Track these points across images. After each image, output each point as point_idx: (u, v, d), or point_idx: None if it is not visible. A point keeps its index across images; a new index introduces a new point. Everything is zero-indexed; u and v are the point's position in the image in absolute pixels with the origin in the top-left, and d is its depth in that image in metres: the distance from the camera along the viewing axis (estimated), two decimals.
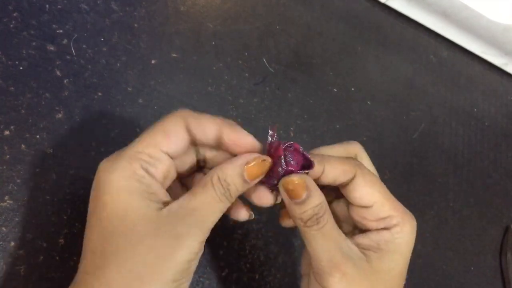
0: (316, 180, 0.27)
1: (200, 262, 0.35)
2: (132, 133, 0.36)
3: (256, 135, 0.41)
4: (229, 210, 0.28)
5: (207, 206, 0.24)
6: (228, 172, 0.24)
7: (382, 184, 0.27)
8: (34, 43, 0.34)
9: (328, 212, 0.26)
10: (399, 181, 0.48)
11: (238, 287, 0.36)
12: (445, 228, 0.49)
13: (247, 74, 0.43)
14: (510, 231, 0.52)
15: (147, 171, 0.23)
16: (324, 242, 0.25)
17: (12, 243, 0.30)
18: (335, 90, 0.48)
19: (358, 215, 0.27)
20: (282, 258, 0.38)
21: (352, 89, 0.49)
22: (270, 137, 0.27)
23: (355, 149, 0.29)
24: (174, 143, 0.25)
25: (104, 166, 0.23)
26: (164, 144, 0.24)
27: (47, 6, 0.36)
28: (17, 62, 0.33)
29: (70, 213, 0.32)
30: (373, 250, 0.26)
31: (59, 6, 0.36)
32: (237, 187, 0.25)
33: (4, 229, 0.30)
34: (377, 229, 0.27)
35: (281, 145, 0.26)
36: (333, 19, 0.51)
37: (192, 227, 0.23)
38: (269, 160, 0.26)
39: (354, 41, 0.51)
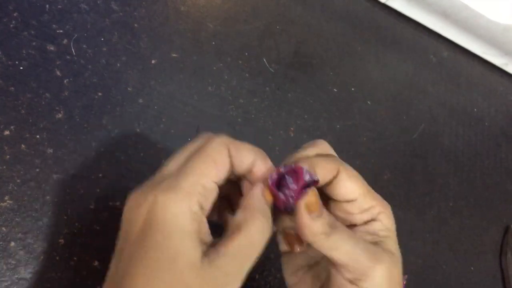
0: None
1: None
2: (132, 133, 0.36)
3: (256, 135, 0.41)
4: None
5: (247, 247, 0.23)
6: (255, 199, 0.24)
7: (361, 176, 0.27)
8: (34, 43, 0.34)
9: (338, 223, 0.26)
10: (399, 181, 0.48)
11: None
12: (445, 228, 0.48)
13: (247, 74, 0.43)
14: (510, 231, 0.52)
15: (202, 207, 0.22)
16: (351, 241, 0.25)
17: (12, 243, 0.30)
18: (335, 90, 0.48)
19: (343, 211, 0.27)
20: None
21: (352, 89, 0.49)
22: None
23: (326, 147, 0.29)
24: (222, 173, 0.24)
25: (161, 198, 0.22)
26: (215, 173, 0.23)
27: (47, 6, 0.36)
28: (17, 62, 0.33)
29: (70, 213, 0.32)
30: (375, 239, 0.26)
31: (59, 6, 0.36)
32: (262, 205, 0.24)
33: (4, 229, 0.30)
34: (365, 222, 0.27)
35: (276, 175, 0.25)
36: (333, 19, 0.51)
37: (231, 274, 0.22)
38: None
39: (354, 41, 0.51)
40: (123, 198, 0.34)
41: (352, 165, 0.45)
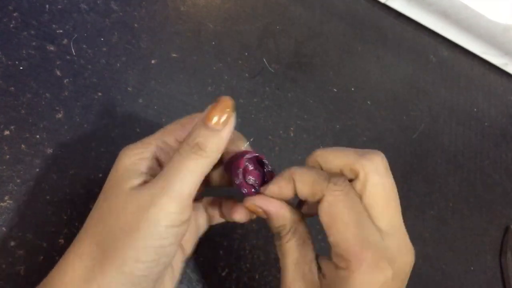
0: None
1: (200, 262, 0.35)
2: (132, 133, 0.36)
3: (256, 135, 0.41)
4: (226, 213, 0.28)
5: (172, 170, 0.22)
6: (191, 130, 0.24)
7: (352, 217, 0.23)
8: (34, 43, 0.34)
9: (296, 233, 0.25)
10: (399, 181, 0.47)
11: (238, 287, 0.36)
12: (445, 228, 0.48)
13: (247, 74, 0.43)
14: (510, 231, 0.52)
15: (157, 157, 0.25)
16: (287, 259, 0.25)
17: (12, 243, 0.30)
18: (335, 90, 0.48)
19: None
20: None
21: (352, 89, 0.49)
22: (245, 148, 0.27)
23: (365, 167, 0.24)
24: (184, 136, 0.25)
25: (125, 148, 0.25)
26: (179, 134, 0.25)
27: (47, 6, 0.36)
28: (17, 62, 0.33)
29: (70, 213, 0.32)
30: (327, 284, 0.24)
31: (59, 6, 0.36)
32: (204, 138, 0.23)
33: (4, 229, 0.30)
34: (334, 262, 0.24)
35: (244, 157, 0.26)
36: (333, 19, 0.51)
37: (155, 196, 0.22)
38: (228, 99, 0.24)
39: (354, 41, 0.51)
40: None
41: None
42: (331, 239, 0.23)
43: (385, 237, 0.24)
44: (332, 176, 0.24)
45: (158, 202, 0.21)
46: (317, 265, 0.25)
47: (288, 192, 0.25)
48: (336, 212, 0.23)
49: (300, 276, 0.25)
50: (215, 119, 0.23)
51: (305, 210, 0.28)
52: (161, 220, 0.21)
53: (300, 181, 0.25)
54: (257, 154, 0.26)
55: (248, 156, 0.26)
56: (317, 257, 0.26)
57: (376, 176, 0.24)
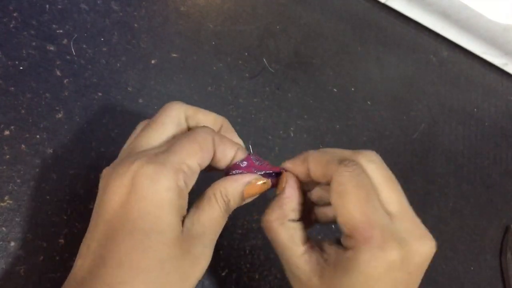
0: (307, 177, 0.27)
1: None
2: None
3: (256, 135, 0.41)
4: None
5: (214, 223, 0.24)
6: (230, 189, 0.25)
7: (362, 195, 0.23)
8: (34, 43, 0.34)
9: (281, 228, 0.25)
10: (399, 181, 0.47)
11: (238, 287, 0.36)
12: (445, 228, 0.49)
13: (247, 74, 0.43)
14: (510, 231, 0.52)
15: (186, 184, 0.23)
16: (282, 236, 0.25)
17: (12, 243, 0.30)
18: (335, 90, 0.48)
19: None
20: None
21: (352, 89, 0.49)
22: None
23: (357, 158, 0.25)
24: (205, 159, 0.24)
25: (146, 170, 0.21)
26: (200, 156, 0.24)
27: (47, 6, 0.36)
28: (17, 62, 0.33)
29: (70, 213, 0.32)
30: (331, 265, 0.24)
31: (59, 6, 0.36)
32: (236, 203, 0.25)
33: (4, 229, 0.30)
34: (342, 246, 0.24)
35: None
36: (333, 19, 0.51)
37: (206, 247, 0.24)
38: (269, 182, 0.27)
39: (354, 41, 0.51)
40: None
41: None
42: (340, 219, 0.23)
43: (396, 220, 0.24)
44: (343, 159, 0.24)
45: (204, 259, 0.24)
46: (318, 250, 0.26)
47: (300, 171, 0.26)
48: (345, 191, 0.23)
49: (310, 267, 0.25)
50: (251, 194, 0.26)
51: (316, 196, 0.29)
52: (202, 271, 0.24)
53: (313, 162, 0.25)
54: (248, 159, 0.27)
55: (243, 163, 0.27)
56: (318, 243, 0.26)
57: (373, 164, 0.25)
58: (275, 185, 0.28)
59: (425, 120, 0.52)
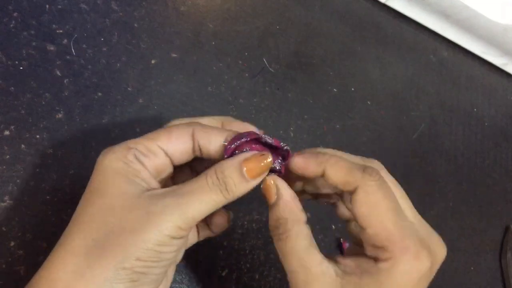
0: (317, 181, 0.26)
1: (200, 262, 0.35)
2: (132, 133, 0.36)
3: None
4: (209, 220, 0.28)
5: (194, 192, 0.23)
6: (225, 165, 0.24)
7: (392, 204, 0.23)
8: (34, 43, 0.34)
9: (297, 231, 0.24)
10: (399, 181, 0.47)
11: (238, 287, 0.36)
12: (445, 228, 0.49)
13: (247, 74, 0.43)
14: (510, 231, 0.52)
15: (137, 158, 0.24)
16: (288, 260, 0.24)
17: (12, 243, 0.30)
18: (335, 90, 0.48)
19: (359, 233, 0.25)
20: None
21: (352, 89, 0.49)
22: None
23: (363, 175, 0.25)
24: (174, 144, 0.25)
25: (104, 150, 0.25)
26: (163, 141, 0.25)
27: (47, 6, 0.36)
28: (17, 62, 0.33)
29: (70, 213, 0.32)
30: (354, 278, 0.23)
31: (59, 6, 0.36)
32: (234, 181, 0.24)
33: (4, 229, 0.30)
34: (370, 256, 0.24)
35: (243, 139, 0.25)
36: (333, 19, 0.51)
37: (169, 208, 0.22)
38: (269, 155, 0.25)
39: (354, 41, 0.51)
40: None
41: None
42: (370, 230, 0.23)
43: (418, 227, 0.24)
44: (366, 166, 0.24)
45: (170, 215, 0.22)
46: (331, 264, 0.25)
47: (312, 171, 0.25)
48: (375, 202, 0.23)
49: (320, 272, 0.23)
50: (250, 167, 0.24)
51: (309, 188, 0.29)
52: (166, 230, 0.22)
53: (333, 168, 0.25)
54: (255, 136, 0.25)
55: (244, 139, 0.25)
56: (328, 255, 0.25)
57: (384, 173, 0.26)
58: (282, 171, 0.26)
59: (425, 120, 0.52)
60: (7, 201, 0.30)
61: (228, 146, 0.24)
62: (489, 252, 0.50)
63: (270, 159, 0.25)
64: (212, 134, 0.25)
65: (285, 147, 0.26)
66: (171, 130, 0.25)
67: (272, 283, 0.37)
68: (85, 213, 0.23)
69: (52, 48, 0.35)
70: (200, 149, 0.25)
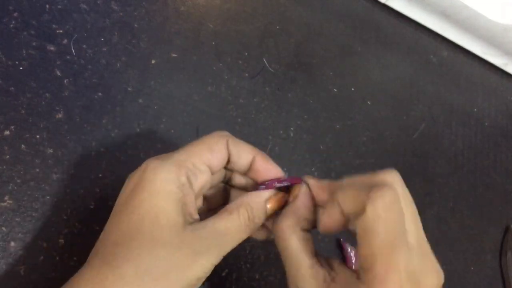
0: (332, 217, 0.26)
1: None
2: (132, 133, 0.36)
3: (256, 135, 0.41)
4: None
5: (230, 231, 0.25)
6: (254, 203, 0.26)
7: (389, 238, 0.22)
8: (34, 43, 0.34)
9: (293, 236, 0.25)
10: None
11: (238, 287, 0.36)
12: (445, 228, 0.49)
13: (247, 74, 0.43)
14: (510, 231, 0.52)
15: (189, 180, 0.24)
16: (293, 244, 0.25)
17: (12, 243, 0.30)
18: (335, 90, 0.48)
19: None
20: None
21: (352, 89, 0.49)
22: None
23: (385, 178, 0.25)
24: (216, 158, 0.26)
25: (153, 164, 0.24)
26: (208, 157, 0.25)
27: (47, 6, 0.36)
28: (17, 62, 0.33)
29: (70, 213, 0.32)
30: (337, 286, 0.24)
31: (59, 6, 0.36)
32: (260, 218, 0.26)
33: (4, 229, 0.30)
34: (359, 270, 0.24)
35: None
36: (333, 19, 0.51)
37: (211, 248, 0.24)
38: (285, 196, 0.27)
39: (354, 41, 0.51)
40: None
41: (352, 165, 0.45)
42: (362, 251, 0.23)
43: (413, 254, 0.23)
44: (374, 186, 0.23)
45: (211, 255, 0.24)
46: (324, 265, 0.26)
47: (323, 199, 0.26)
48: (373, 229, 0.22)
49: (303, 278, 0.25)
50: (273, 207, 0.26)
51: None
52: (207, 268, 0.24)
53: (343, 197, 0.25)
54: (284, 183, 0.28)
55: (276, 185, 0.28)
56: (327, 260, 0.27)
57: (400, 189, 0.24)
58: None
59: (425, 120, 0.52)
60: (7, 201, 0.30)
61: (270, 184, 0.27)
62: (489, 252, 0.50)
63: (285, 198, 0.27)
64: (243, 148, 0.27)
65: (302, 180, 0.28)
66: (210, 143, 0.26)
67: (272, 283, 0.37)
68: (134, 239, 0.22)
69: (52, 48, 0.35)
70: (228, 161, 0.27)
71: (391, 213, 0.22)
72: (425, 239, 0.25)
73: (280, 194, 0.27)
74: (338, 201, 0.25)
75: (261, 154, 0.27)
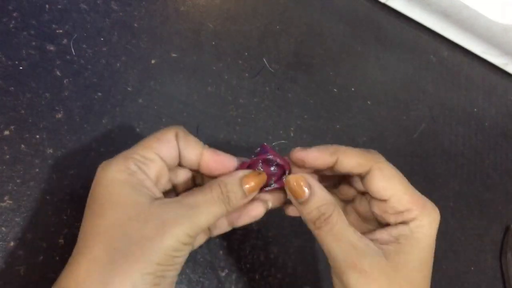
0: (331, 169, 0.29)
1: (200, 262, 0.35)
2: (132, 133, 0.36)
3: (256, 135, 0.41)
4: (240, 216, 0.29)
5: (200, 203, 0.25)
6: (228, 180, 0.27)
7: (402, 177, 0.28)
8: (34, 43, 0.34)
9: (337, 211, 0.27)
10: None
11: (238, 287, 0.36)
12: (445, 228, 0.49)
13: (247, 74, 0.43)
14: (510, 231, 0.52)
15: (139, 168, 0.25)
16: (336, 242, 0.26)
17: (12, 243, 0.30)
18: (335, 90, 0.48)
19: (378, 209, 0.28)
20: (282, 258, 0.38)
21: (352, 89, 0.49)
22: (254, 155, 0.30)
23: (373, 157, 0.28)
24: (165, 147, 0.27)
25: (102, 164, 0.26)
26: (156, 146, 0.26)
27: (47, 6, 0.36)
28: (17, 62, 0.33)
29: (70, 213, 0.32)
30: (392, 245, 0.26)
31: (59, 6, 0.36)
32: (236, 195, 0.26)
33: (4, 229, 0.30)
34: (396, 224, 0.27)
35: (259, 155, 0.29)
36: (333, 19, 0.51)
37: (180, 217, 0.24)
38: (264, 173, 0.28)
39: (354, 41, 0.51)
40: None
41: None
42: (393, 198, 0.27)
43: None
44: (372, 152, 0.28)
45: (182, 224, 0.24)
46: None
47: (325, 161, 0.28)
48: (391, 176, 0.27)
49: (362, 252, 0.26)
50: (251, 184, 0.27)
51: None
52: (180, 238, 0.24)
53: (346, 155, 0.28)
54: (264, 156, 0.29)
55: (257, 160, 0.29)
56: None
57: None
58: (282, 184, 0.29)
59: (425, 120, 0.52)
60: (7, 201, 0.30)
61: (244, 162, 0.28)
62: (489, 252, 0.50)
63: (265, 177, 0.28)
64: (191, 141, 0.28)
65: (283, 163, 0.29)
66: (157, 134, 0.27)
67: (272, 283, 0.37)
68: (99, 225, 0.24)
69: (52, 48, 0.35)
70: (180, 156, 0.28)
71: (394, 167, 0.28)
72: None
73: (261, 175, 0.28)
74: (340, 161, 0.28)
75: (209, 148, 0.28)
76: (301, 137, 0.43)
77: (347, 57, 0.50)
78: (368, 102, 0.49)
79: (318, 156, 0.28)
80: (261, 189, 0.28)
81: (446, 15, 0.54)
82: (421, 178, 0.49)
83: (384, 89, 0.51)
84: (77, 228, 0.31)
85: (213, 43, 0.42)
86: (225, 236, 0.36)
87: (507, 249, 0.50)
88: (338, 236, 0.26)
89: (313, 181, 0.27)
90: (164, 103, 0.38)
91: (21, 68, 0.33)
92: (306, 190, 0.27)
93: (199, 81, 0.40)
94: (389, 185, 0.27)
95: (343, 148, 0.28)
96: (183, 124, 0.38)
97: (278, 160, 0.29)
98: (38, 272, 0.30)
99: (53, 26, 0.36)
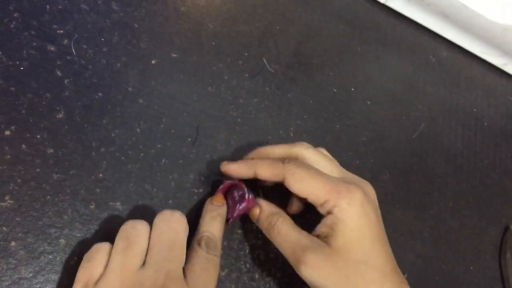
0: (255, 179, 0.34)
1: None
2: (132, 133, 0.36)
3: (256, 135, 0.41)
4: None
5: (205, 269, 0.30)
6: (204, 229, 0.32)
7: (316, 173, 0.31)
8: (34, 44, 0.35)
9: (282, 219, 0.32)
10: (399, 181, 0.48)
11: (238, 287, 0.36)
12: (445, 228, 0.49)
13: (247, 74, 0.43)
14: (510, 231, 0.52)
15: None
16: (285, 243, 0.31)
17: (13, 243, 0.30)
18: (335, 90, 0.48)
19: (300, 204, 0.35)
20: (282, 258, 0.38)
21: (352, 89, 0.49)
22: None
23: (298, 150, 0.34)
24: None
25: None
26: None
27: (47, 6, 0.36)
28: (17, 62, 0.34)
29: (70, 213, 0.32)
30: (330, 234, 0.30)
31: (59, 7, 0.36)
32: (216, 233, 0.32)
33: (5, 229, 0.30)
34: (326, 214, 0.31)
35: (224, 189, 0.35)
36: (333, 19, 0.51)
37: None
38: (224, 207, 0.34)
39: (354, 41, 0.51)
40: (123, 198, 0.34)
41: (351, 165, 0.45)
42: (310, 197, 0.31)
43: (344, 177, 0.33)
44: (285, 159, 0.33)
45: None
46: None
47: (246, 173, 0.33)
48: (302, 175, 0.31)
49: (307, 246, 0.30)
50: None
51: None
52: None
53: (261, 168, 0.33)
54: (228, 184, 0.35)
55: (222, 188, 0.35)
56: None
57: (309, 149, 0.35)
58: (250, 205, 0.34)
59: (425, 120, 0.52)
60: (8, 201, 0.30)
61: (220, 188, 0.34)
62: (488, 252, 0.50)
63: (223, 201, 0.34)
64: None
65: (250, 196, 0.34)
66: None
67: (272, 283, 0.37)
68: None
69: (52, 49, 0.35)
70: None
71: (305, 165, 0.33)
72: (348, 172, 0.35)
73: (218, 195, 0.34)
74: (257, 174, 0.33)
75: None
76: (301, 137, 0.43)
77: (347, 57, 0.50)
78: (368, 102, 0.49)
79: (237, 169, 0.33)
80: (234, 209, 0.33)
81: (446, 15, 0.54)
82: (420, 178, 0.49)
83: (384, 89, 0.51)
84: (78, 229, 0.32)
85: (213, 43, 0.42)
86: (225, 236, 0.36)
87: (507, 249, 0.50)
88: (284, 237, 0.31)
89: (262, 202, 0.34)
90: (165, 103, 0.38)
91: (22, 68, 0.34)
92: (257, 211, 0.34)
93: (199, 81, 0.40)
94: (302, 186, 0.31)
95: (259, 162, 0.33)
96: (183, 124, 0.38)
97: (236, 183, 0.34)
98: (38, 272, 0.30)
99: (54, 26, 0.36)
